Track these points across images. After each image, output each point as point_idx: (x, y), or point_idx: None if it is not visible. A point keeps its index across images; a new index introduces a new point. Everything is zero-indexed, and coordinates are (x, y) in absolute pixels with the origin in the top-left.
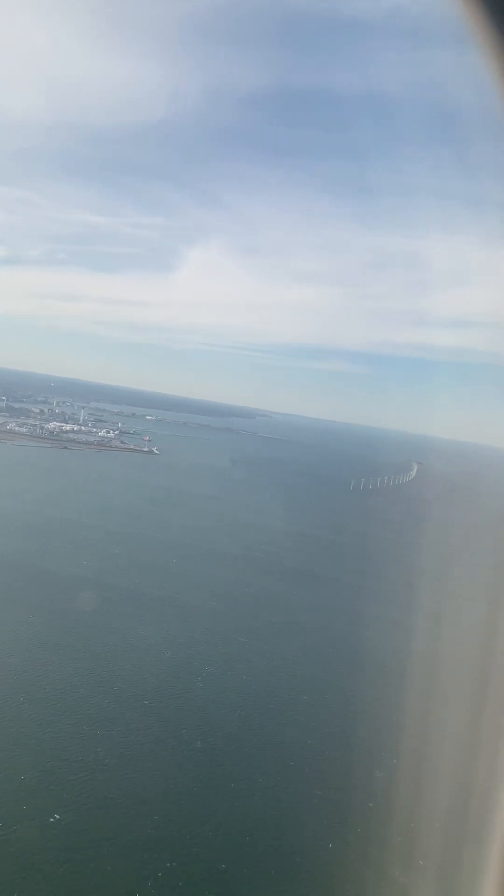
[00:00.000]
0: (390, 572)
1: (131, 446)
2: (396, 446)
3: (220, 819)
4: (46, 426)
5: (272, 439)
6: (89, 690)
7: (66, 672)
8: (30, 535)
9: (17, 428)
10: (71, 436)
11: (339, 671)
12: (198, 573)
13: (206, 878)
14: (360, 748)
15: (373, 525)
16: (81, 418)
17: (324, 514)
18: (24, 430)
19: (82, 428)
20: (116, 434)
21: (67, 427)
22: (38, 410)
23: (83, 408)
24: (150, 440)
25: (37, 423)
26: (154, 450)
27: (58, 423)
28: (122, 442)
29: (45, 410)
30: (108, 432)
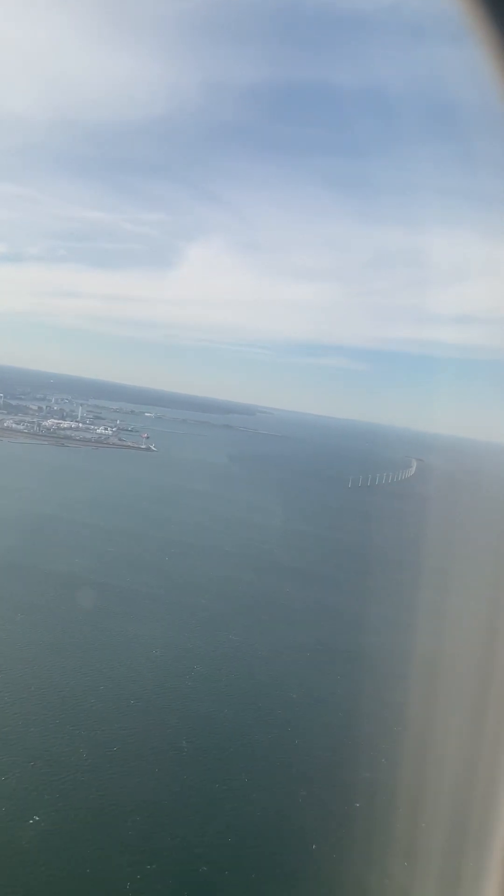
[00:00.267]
0: (385, 569)
1: (129, 443)
2: (397, 443)
3: (202, 820)
4: (44, 423)
5: (272, 436)
6: (75, 689)
7: (52, 671)
8: (19, 532)
9: (13, 425)
10: (68, 433)
11: (331, 669)
12: (190, 570)
13: (186, 881)
14: (349, 748)
15: (369, 522)
16: (79, 415)
17: (320, 511)
18: (22, 427)
19: (80, 425)
20: (114, 431)
21: (65, 424)
22: (36, 408)
23: (81, 405)
24: (148, 437)
25: (34, 420)
26: (152, 447)
27: (55, 421)
28: (120, 439)
29: (44, 407)
30: (106, 429)
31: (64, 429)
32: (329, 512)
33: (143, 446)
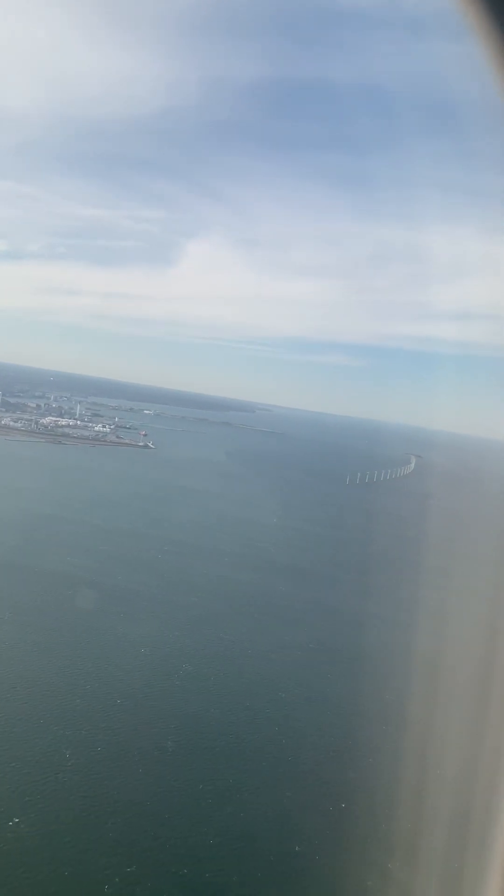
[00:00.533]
0: (382, 567)
1: (127, 441)
2: (396, 440)
3: (184, 822)
4: (41, 421)
5: (271, 433)
6: (61, 689)
7: (39, 671)
8: (10, 530)
9: (11, 423)
10: (66, 430)
11: (323, 668)
12: (183, 568)
13: (166, 883)
14: (337, 748)
15: (364, 519)
16: (78, 413)
17: (316, 509)
18: (19, 424)
19: (78, 423)
20: (112, 429)
21: (63, 422)
22: (34, 405)
23: (80, 402)
24: (146, 435)
25: (32, 417)
26: (149, 444)
27: (53, 418)
28: (118, 436)
29: (42, 405)
30: (104, 427)
31: (62, 426)
32: (326, 509)
33: (140, 444)
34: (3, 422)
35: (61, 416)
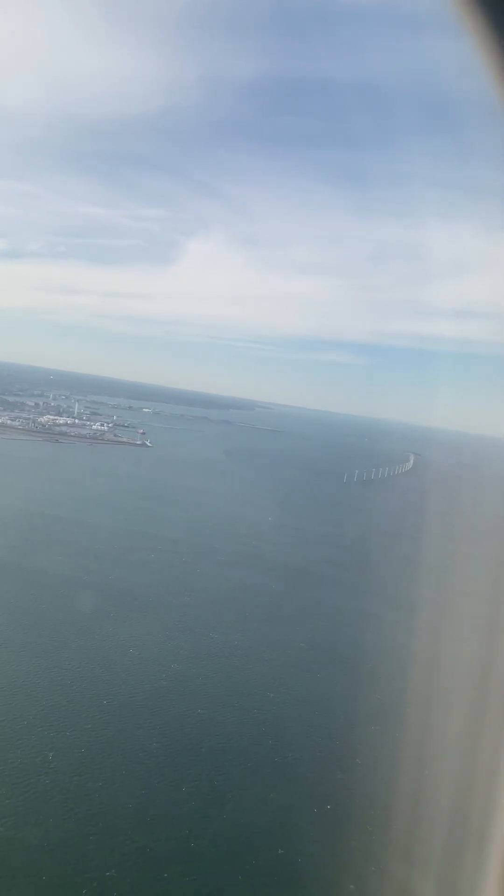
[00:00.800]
0: (379, 565)
1: (124, 439)
2: (396, 437)
3: (166, 826)
4: (39, 419)
5: (270, 431)
6: (46, 690)
7: (24, 672)
8: (2, 529)
9: (8, 422)
10: (64, 429)
11: (313, 668)
12: (176, 568)
13: (146, 888)
14: (325, 748)
15: (361, 517)
16: (76, 411)
17: (313, 507)
18: (17, 423)
19: (76, 421)
20: (110, 427)
21: (61, 420)
22: (32, 404)
23: (79, 401)
24: (144, 433)
25: (30, 416)
26: (147, 442)
27: (51, 417)
28: (116, 435)
29: (41, 404)
30: (102, 425)
31: (59, 425)
32: (323, 507)
33: (138, 442)
34: (0, 420)
35: (59, 414)
